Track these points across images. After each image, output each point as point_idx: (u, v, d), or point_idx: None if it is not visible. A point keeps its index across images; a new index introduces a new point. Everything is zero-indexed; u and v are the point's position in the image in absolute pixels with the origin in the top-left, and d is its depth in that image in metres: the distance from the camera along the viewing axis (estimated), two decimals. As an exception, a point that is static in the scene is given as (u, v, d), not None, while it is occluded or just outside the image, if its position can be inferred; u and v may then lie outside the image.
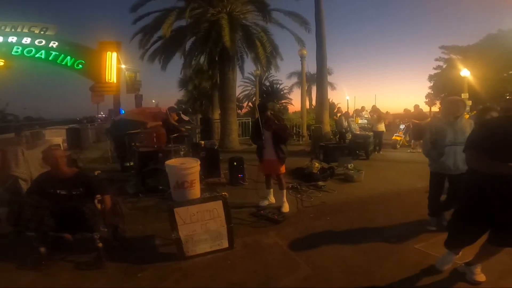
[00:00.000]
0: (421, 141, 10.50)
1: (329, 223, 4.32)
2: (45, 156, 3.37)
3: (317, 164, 7.04)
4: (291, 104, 36.06)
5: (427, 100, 36.49)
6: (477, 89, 23.02)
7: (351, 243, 3.59)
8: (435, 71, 34.43)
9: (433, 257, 3.16)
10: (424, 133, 3.87)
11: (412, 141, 10.96)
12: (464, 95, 18.91)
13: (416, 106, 10.92)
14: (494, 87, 25.08)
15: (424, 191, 5.66)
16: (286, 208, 4.73)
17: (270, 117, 4.76)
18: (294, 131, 14.67)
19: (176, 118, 7.15)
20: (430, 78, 35.19)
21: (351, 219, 4.43)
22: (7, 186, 4.98)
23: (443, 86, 31.85)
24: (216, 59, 12.35)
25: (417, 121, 10.32)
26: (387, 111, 11.05)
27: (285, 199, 4.84)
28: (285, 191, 4.90)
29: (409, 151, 10.69)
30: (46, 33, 17.30)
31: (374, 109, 11.93)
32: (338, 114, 12.32)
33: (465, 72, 19.77)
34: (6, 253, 3.32)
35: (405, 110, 10.90)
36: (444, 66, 32.61)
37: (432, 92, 35.59)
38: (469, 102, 18.89)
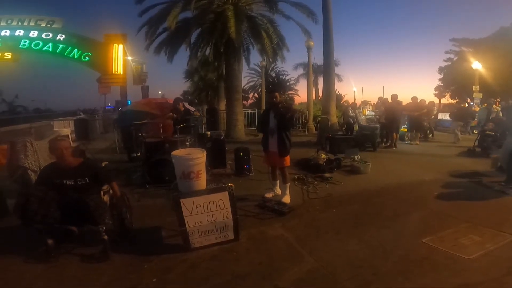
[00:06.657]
0: (418, 133, 10.55)
1: (335, 215, 4.30)
2: (51, 146, 3.38)
3: (323, 156, 6.99)
4: (297, 95, 35.93)
5: (436, 92, 36.04)
6: (488, 82, 22.64)
7: (356, 236, 3.57)
8: (446, 63, 33.84)
9: (441, 251, 3.13)
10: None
11: (409, 133, 10.85)
12: (475, 88, 18.63)
13: (414, 98, 10.78)
14: (506, 80, 24.57)
15: (432, 184, 5.65)
16: (287, 199, 4.64)
17: (280, 99, 4.82)
18: (300, 122, 14.62)
19: (183, 109, 7.13)
20: (440, 70, 34.61)
21: (357, 212, 4.40)
22: (16, 177, 5.04)
23: (453, 79, 31.33)
24: (222, 50, 12.27)
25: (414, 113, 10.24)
26: (386, 98, 10.95)
27: (288, 192, 4.75)
28: (288, 185, 4.78)
29: (407, 143, 10.61)
30: (53, 26, 17.34)
31: (382, 101, 11.77)
32: (345, 104, 12.27)
33: (476, 65, 19.39)
34: (15, 246, 3.36)
35: (413, 98, 10.80)
36: (455, 59, 32.00)
37: (442, 84, 35.05)
38: (480, 95, 18.59)
